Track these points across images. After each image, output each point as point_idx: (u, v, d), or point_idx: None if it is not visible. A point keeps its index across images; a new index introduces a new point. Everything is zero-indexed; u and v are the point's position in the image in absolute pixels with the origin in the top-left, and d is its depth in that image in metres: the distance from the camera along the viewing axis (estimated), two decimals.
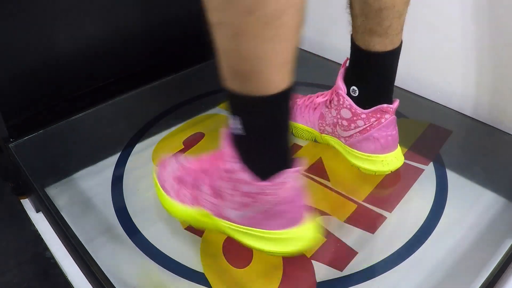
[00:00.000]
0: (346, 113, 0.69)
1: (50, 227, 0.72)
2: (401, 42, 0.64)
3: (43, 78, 0.90)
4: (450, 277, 0.58)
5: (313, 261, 0.60)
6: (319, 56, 1.07)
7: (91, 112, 0.90)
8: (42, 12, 0.86)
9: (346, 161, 0.74)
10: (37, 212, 0.82)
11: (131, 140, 0.83)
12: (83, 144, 0.84)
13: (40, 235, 0.79)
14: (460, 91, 0.88)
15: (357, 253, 0.61)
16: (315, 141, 0.79)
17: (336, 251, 0.61)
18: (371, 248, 0.61)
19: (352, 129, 0.69)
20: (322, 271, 0.58)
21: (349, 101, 0.68)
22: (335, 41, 1.06)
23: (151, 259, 0.61)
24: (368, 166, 0.70)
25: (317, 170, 0.74)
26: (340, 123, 0.71)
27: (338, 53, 0.92)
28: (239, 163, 0.52)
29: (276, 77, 0.45)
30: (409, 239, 0.62)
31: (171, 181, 0.63)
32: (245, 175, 0.52)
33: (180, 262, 0.60)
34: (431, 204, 0.68)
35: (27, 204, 0.84)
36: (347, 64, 0.69)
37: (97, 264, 0.60)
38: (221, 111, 0.90)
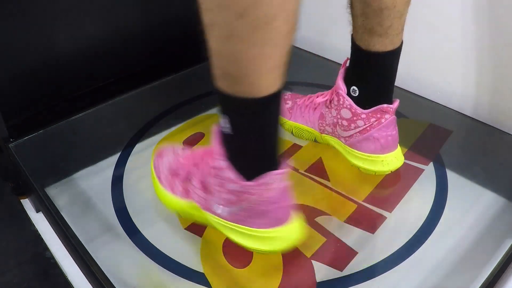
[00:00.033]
0: (346, 113, 0.69)
1: (50, 227, 0.72)
2: (402, 42, 0.64)
3: (43, 78, 0.90)
4: (450, 277, 0.57)
5: (313, 261, 0.60)
6: (319, 56, 1.07)
7: (91, 112, 0.90)
8: (42, 12, 0.86)
9: (346, 161, 0.74)
10: (37, 212, 0.82)
11: (131, 140, 0.83)
12: (83, 144, 0.84)
13: (40, 235, 0.79)
14: (460, 91, 0.88)
15: (357, 253, 0.61)
16: (315, 141, 0.79)
17: (336, 251, 0.61)
18: (371, 248, 0.61)
19: (352, 129, 0.69)
20: (322, 271, 0.58)
21: (349, 101, 0.68)
22: (335, 41, 1.06)
23: (151, 259, 0.61)
24: (368, 166, 0.70)
25: (317, 170, 0.74)
26: (340, 123, 0.71)
27: (338, 53, 0.92)
28: (226, 161, 0.52)
29: (264, 81, 0.45)
30: (409, 239, 0.62)
31: (165, 172, 0.64)
32: (230, 174, 0.52)
33: (180, 262, 0.60)
34: (431, 204, 0.67)
35: (27, 204, 0.84)
36: (347, 64, 0.69)
37: (97, 264, 0.60)
38: None
